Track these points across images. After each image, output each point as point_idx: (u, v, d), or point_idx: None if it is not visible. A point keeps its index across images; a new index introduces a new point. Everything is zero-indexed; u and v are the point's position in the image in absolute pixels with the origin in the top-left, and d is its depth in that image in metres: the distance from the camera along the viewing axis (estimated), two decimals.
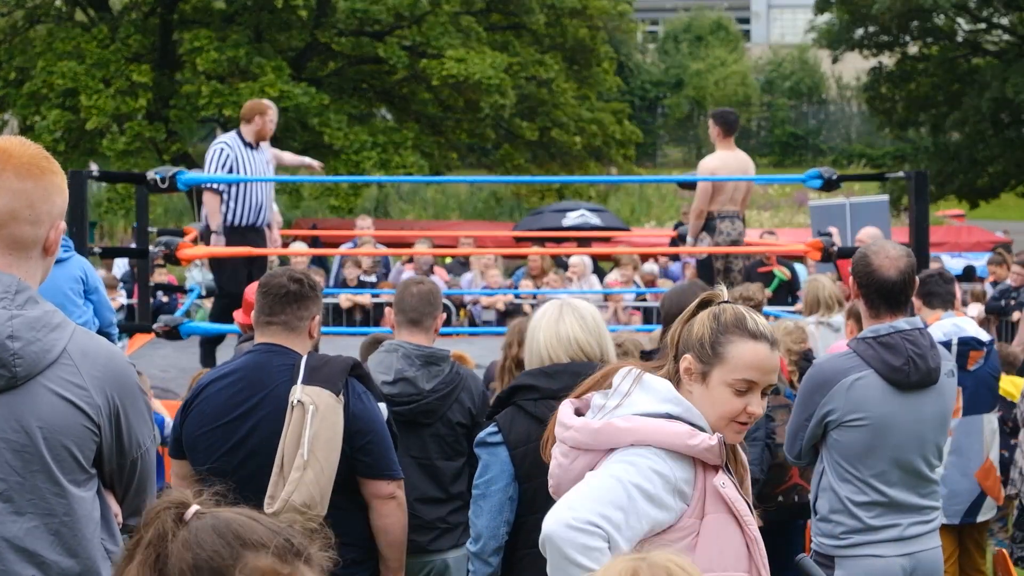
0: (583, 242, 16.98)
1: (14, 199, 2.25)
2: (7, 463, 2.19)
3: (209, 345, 7.78)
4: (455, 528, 4.36)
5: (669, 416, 2.41)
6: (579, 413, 2.53)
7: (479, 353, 6.94)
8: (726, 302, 2.53)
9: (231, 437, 3.46)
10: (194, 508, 1.50)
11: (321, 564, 1.51)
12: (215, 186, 7.93)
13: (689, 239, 8.73)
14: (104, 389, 2.27)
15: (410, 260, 12.62)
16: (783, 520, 5.06)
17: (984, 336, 5.50)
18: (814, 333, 6.60)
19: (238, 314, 5.95)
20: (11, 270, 2.26)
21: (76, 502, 2.25)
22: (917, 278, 5.57)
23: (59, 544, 2.23)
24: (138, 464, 2.38)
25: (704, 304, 2.53)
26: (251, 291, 4.67)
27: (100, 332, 5.51)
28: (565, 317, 3.44)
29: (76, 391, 2.23)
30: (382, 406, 3.65)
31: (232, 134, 8.23)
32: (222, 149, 8.01)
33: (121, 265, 13.77)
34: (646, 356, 4.54)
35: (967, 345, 5.31)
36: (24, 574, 2.19)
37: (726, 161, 8.52)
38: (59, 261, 5.37)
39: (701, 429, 2.42)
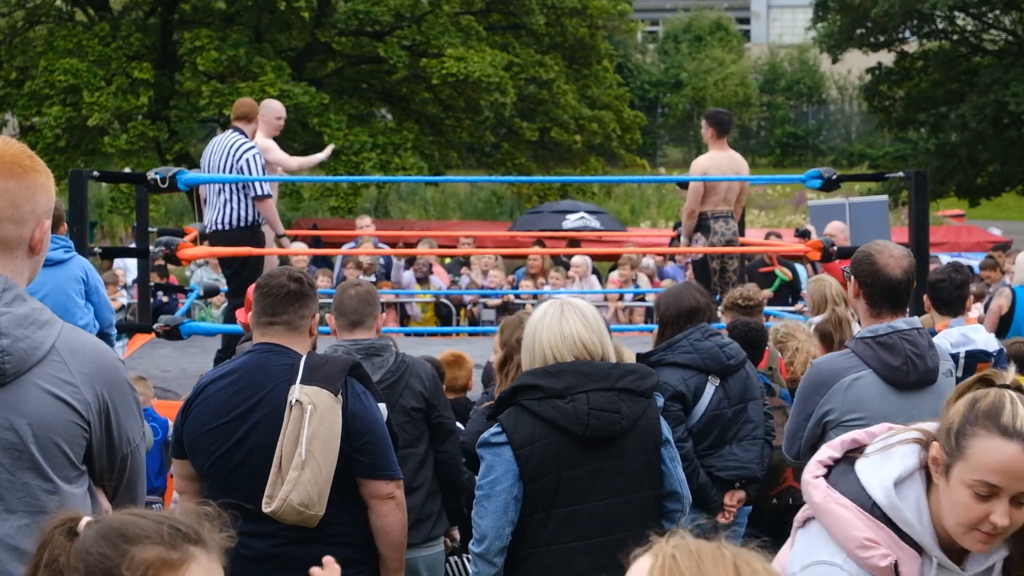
0: (575, 243, 16.99)
1: None
2: None
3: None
4: (426, 520, 4.37)
5: (874, 506, 2.15)
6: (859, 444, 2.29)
7: (479, 353, 6.93)
8: (1006, 386, 2.15)
9: (231, 437, 3.46)
10: (85, 520, 1.54)
11: (218, 544, 1.54)
12: (265, 191, 7.85)
13: (683, 239, 8.75)
14: (93, 385, 2.26)
15: (411, 260, 12.64)
16: (779, 522, 5.07)
17: (992, 346, 5.50)
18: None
19: (240, 313, 5.96)
20: None
21: (67, 499, 2.24)
22: (928, 281, 5.63)
23: None
24: (128, 460, 2.37)
25: (982, 381, 2.19)
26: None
27: (100, 333, 5.52)
28: (568, 316, 3.44)
29: (65, 388, 2.22)
30: (382, 406, 3.65)
31: (242, 136, 8.04)
32: (259, 153, 7.94)
33: (128, 268, 13.78)
34: (642, 359, 4.55)
35: (975, 358, 5.32)
36: (16, 573, 2.18)
37: (718, 161, 8.54)
38: (61, 262, 5.39)
39: (908, 538, 2.13)
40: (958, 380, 3.87)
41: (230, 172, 7.82)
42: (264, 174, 7.89)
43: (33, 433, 2.20)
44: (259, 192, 7.82)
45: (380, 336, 4.41)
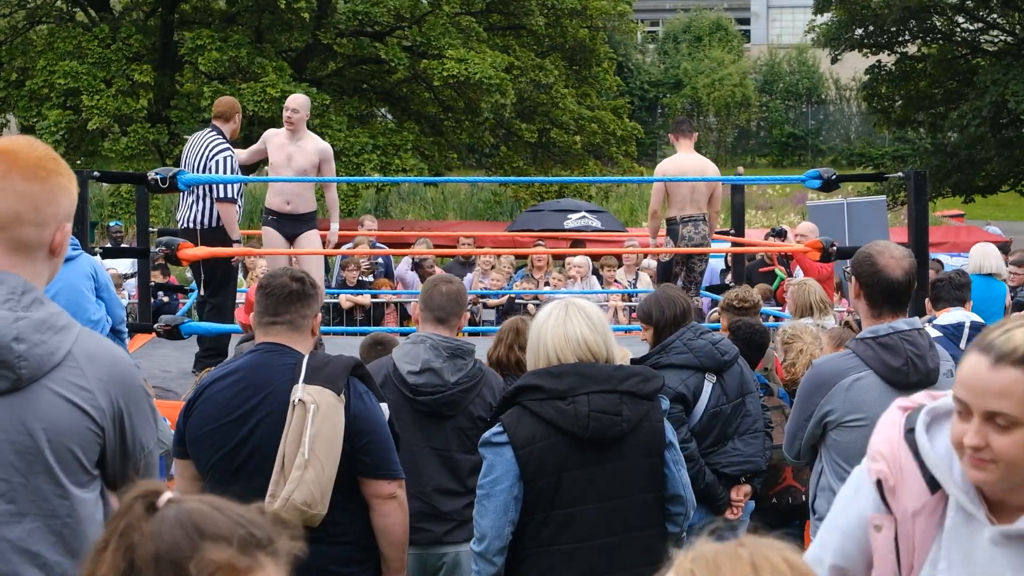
0: (579, 243, 17.01)
1: (19, 201, 2.25)
2: (10, 464, 2.19)
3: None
4: (469, 521, 4.40)
5: (911, 431, 2.09)
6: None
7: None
8: None
9: (233, 436, 3.47)
10: (166, 496, 1.50)
11: (287, 554, 1.50)
12: (228, 194, 7.84)
13: (650, 240, 8.85)
14: (108, 392, 2.26)
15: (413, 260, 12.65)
16: (778, 522, 5.08)
17: None
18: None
19: (240, 313, 5.97)
20: (16, 271, 2.25)
21: (79, 503, 2.24)
22: (929, 282, 5.76)
23: (61, 545, 2.22)
24: (141, 466, 2.37)
25: None
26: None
27: (112, 330, 5.53)
28: (573, 317, 3.44)
29: (80, 393, 2.22)
30: (384, 406, 3.67)
31: (219, 135, 8.04)
32: (232, 155, 7.93)
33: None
34: (635, 364, 4.55)
35: (978, 331, 5.37)
36: (26, 575, 2.19)
37: (679, 163, 8.55)
38: (70, 259, 5.39)
39: (931, 475, 2.03)
40: (950, 373, 3.89)
41: (201, 171, 7.85)
42: (234, 176, 7.89)
43: (47, 438, 2.20)
44: (222, 194, 7.83)
45: (464, 338, 4.45)
